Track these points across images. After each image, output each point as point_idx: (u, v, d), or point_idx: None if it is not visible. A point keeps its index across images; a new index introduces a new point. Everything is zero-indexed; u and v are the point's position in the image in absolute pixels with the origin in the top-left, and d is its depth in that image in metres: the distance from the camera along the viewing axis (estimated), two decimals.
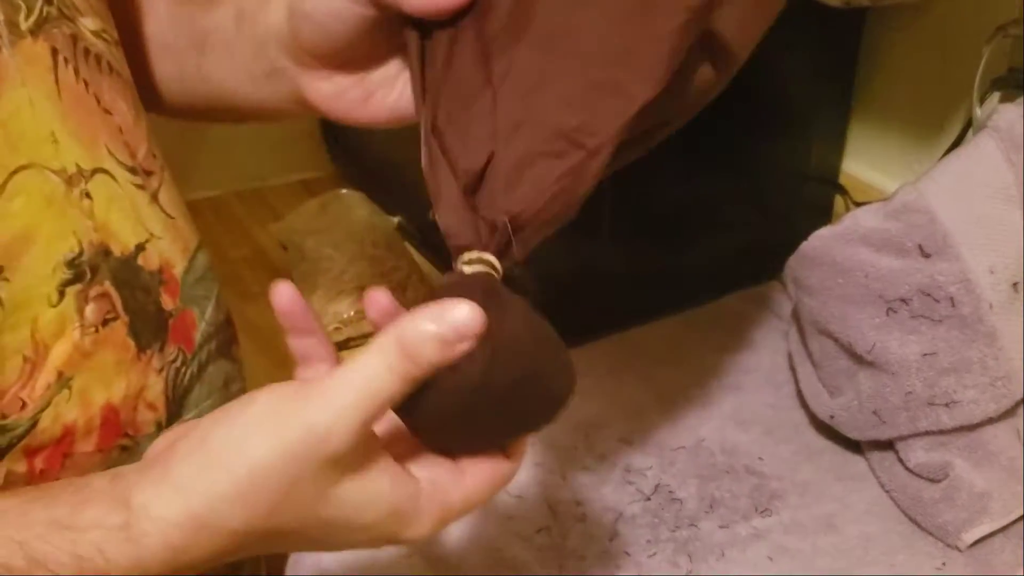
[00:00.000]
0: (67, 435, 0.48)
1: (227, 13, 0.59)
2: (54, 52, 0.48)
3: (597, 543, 0.69)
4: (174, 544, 0.39)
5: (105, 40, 0.53)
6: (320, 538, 0.42)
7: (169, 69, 0.62)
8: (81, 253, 0.48)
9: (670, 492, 0.73)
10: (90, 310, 0.48)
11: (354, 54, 0.54)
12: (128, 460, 0.42)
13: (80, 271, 0.48)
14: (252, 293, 1.00)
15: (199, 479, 0.39)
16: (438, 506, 0.43)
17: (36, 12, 0.47)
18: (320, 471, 0.39)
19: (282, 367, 0.49)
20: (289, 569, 0.67)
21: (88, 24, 0.52)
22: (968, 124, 0.83)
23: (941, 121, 0.91)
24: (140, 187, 0.53)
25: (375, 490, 0.41)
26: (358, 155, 1.20)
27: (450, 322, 0.38)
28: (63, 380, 0.47)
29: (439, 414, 0.42)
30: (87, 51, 0.51)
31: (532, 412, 0.44)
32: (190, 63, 0.61)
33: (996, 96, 0.79)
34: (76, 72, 0.50)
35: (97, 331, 0.48)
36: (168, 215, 0.55)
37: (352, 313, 0.92)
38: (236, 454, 0.39)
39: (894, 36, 0.94)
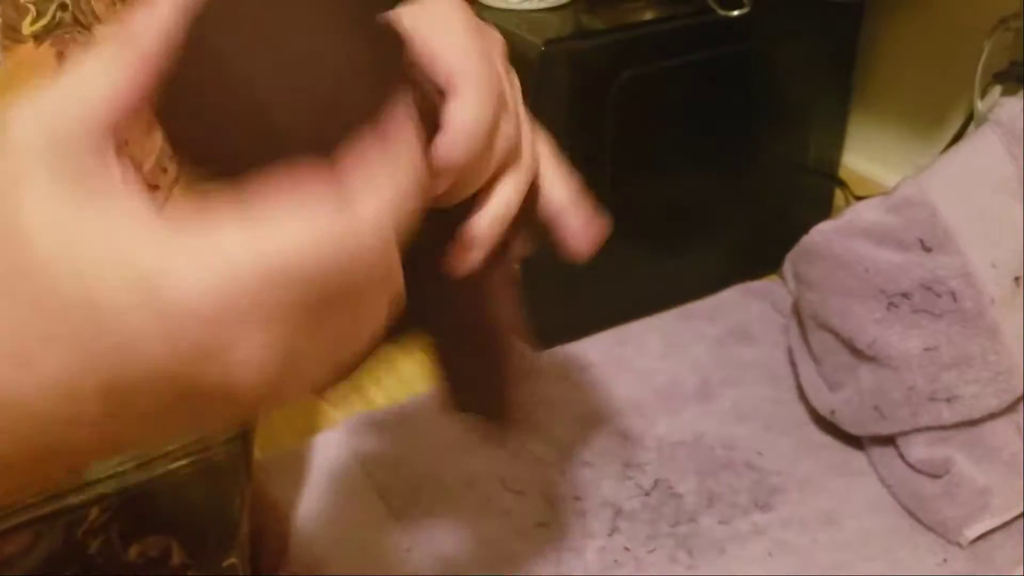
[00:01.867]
0: None
1: None
2: (59, 56, 0.48)
3: (596, 538, 0.69)
4: None
5: None
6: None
7: None
8: None
9: (669, 487, 0.73)
10: None
11: None
12: None
13: None
14: None
15: None
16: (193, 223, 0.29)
17: (47, 17, 0.46)
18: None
19: None
20: (283, 569, 0.67)
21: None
22: (969, 118, 0.83)
23: (941, 115, 0.91)
24: None
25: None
26: None
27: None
28: None
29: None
30: None
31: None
32: None
33: (997, 90, 0.79)
34: None
35: None
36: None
37: None
38: None
39: (894, 28, 0.94)
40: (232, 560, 0.58)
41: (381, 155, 0.30)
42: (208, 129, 0.31)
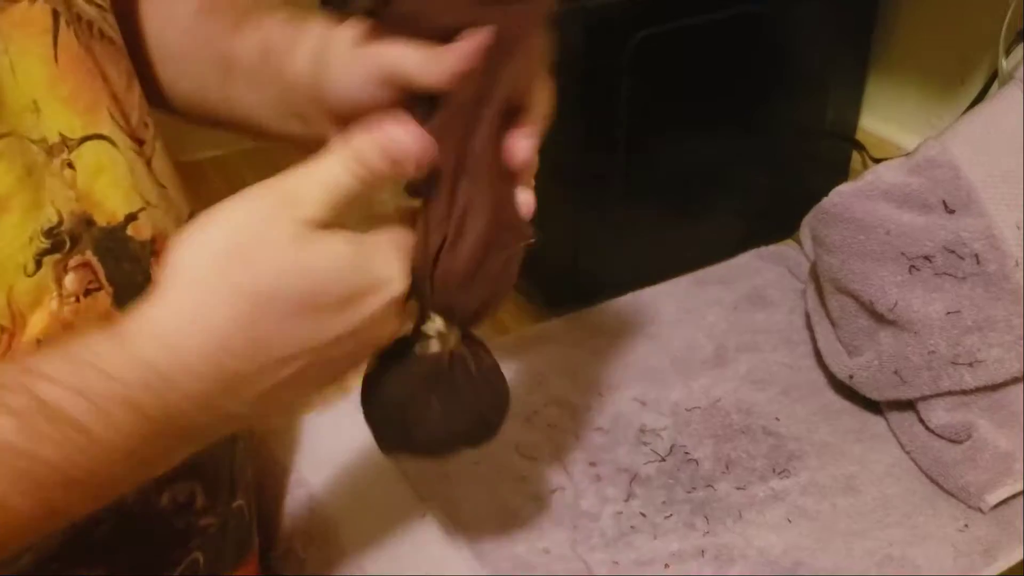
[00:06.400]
0: None
1: (252, 43, 0.56)
2: (55, 15, 0.47)
3: (612, 504, 0.68)
4: (162, 337, 0.39)
5: (97, 5, 0.52)
6: (307, 312, 0.42)
7: (186, 82, 0.60)
8: (60, 223, 0.46)
9: (686, 453, 0.72)
10: (70, 280, 0.47)
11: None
12: None
13: (59, 241, 0.46)
14: None
15: (180, 275, 0.41)
16: (395, 246, 0.47)
17: None
18: (290, 227, 0.41)
19: None
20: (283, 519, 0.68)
21: None
22: (992, 78, 0.81)
23: (962, 75, 0.89)
24: (138, 153, 0.52)
25: (340, 247, 0.43)
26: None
27: (389, 134, 0.44)
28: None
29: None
30: (79, 16, 0.50)
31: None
32: (213, 83, 0.59)
33: (1022, 48, 0.77)
34: (77, 36, 0.48)
35: (78, 301, 0.47)
36: (160, 184, 0.54)
37: None
38: (213, 227, 0.41)
39: None
40: (240, 502, 0.59)
41: None
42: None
